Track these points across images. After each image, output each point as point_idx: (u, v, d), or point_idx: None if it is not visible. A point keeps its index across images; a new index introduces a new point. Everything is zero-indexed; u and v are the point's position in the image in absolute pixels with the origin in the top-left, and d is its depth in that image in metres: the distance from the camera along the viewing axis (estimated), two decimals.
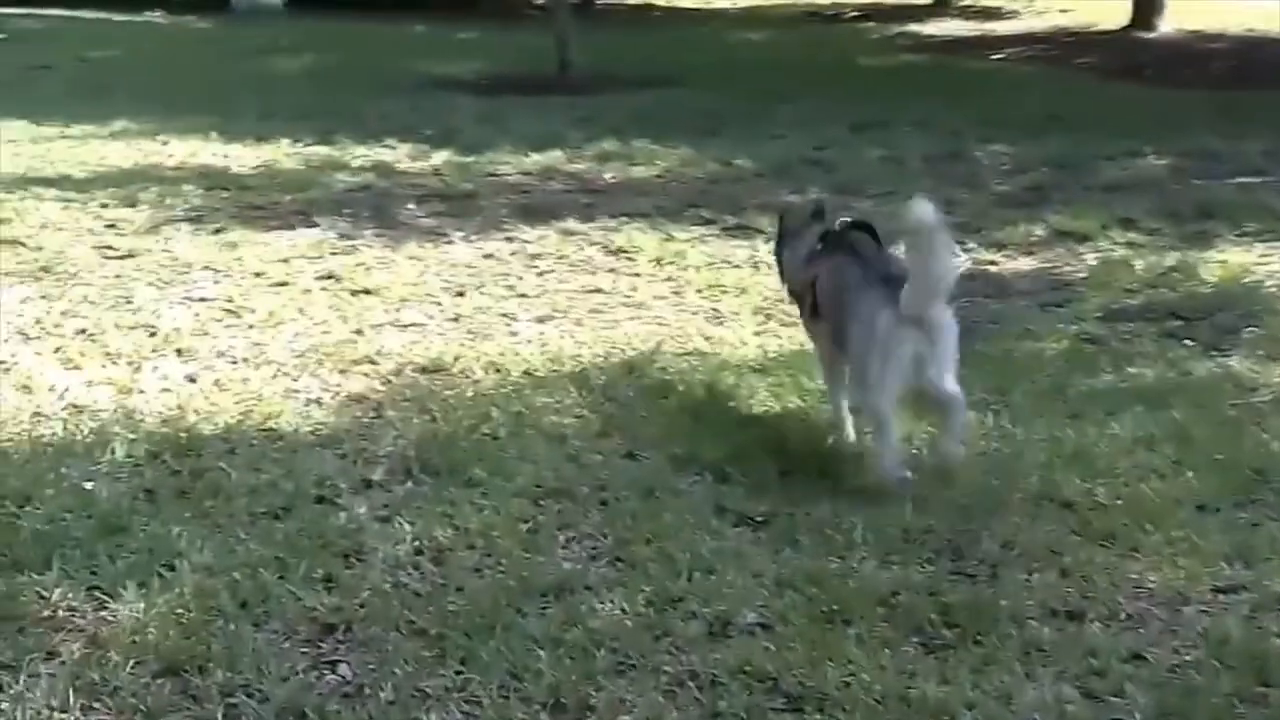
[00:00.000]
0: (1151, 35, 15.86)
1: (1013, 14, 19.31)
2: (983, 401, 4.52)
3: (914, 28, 18.35)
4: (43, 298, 5.80)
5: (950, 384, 3.85)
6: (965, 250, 6.72)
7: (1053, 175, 8.52)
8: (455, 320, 5.72)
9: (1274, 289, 6.01)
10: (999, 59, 15.21)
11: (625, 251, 6.84)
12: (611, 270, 6.54)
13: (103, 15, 18.24)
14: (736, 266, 6.56)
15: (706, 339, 5.45)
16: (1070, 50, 15.50)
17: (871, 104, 11.35)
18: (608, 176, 8.61)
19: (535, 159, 8.94)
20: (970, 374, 4.18)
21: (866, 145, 9.50)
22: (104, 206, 7.38)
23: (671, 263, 6.64)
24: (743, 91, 12.02)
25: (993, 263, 6.65)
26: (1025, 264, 6.63)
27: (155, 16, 18.49)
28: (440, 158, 8.98)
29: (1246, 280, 6.14)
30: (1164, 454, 4.15)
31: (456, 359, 5.12)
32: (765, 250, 6.72)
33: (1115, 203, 7.62)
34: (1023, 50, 15.70)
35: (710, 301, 6.04)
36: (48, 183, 7.83)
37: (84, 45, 14.93)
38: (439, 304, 5.96)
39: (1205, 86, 12.42)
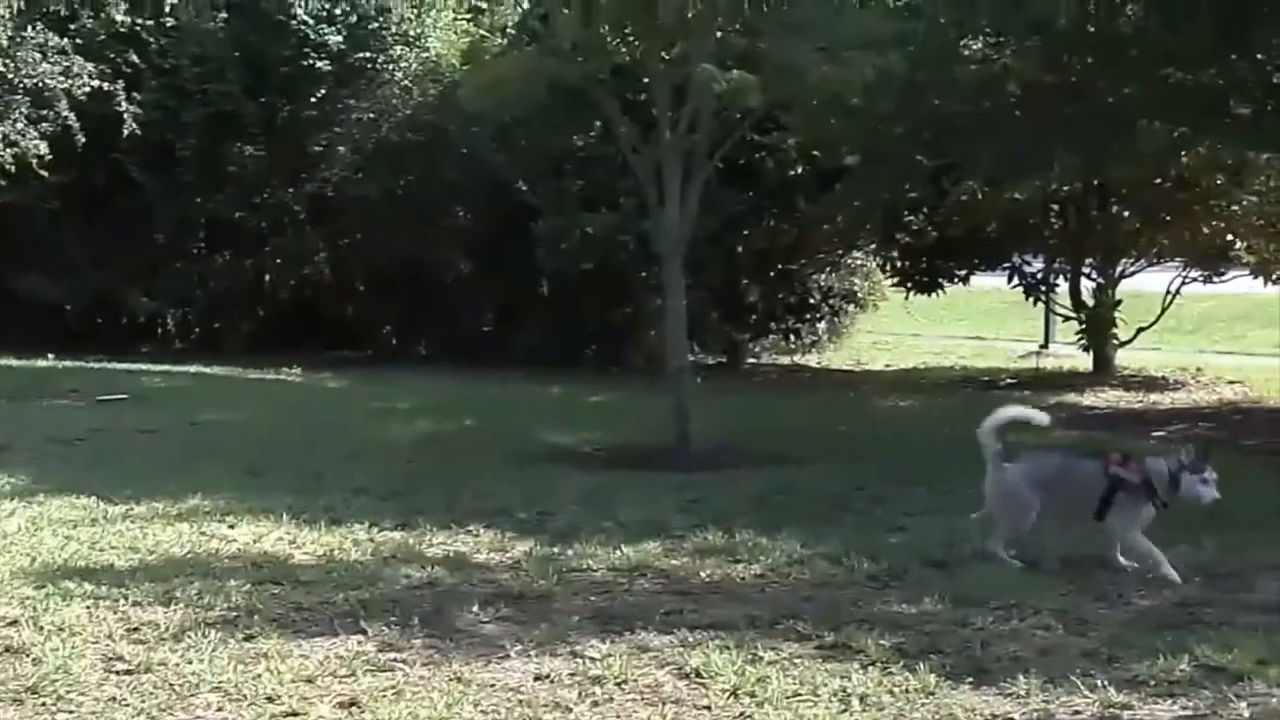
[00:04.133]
0: None
1: (1179, 385, 18.41)
2: None
3: (1072, 398, 17.47)
4: None
5: None
6: (1093, 690, 5.78)
7: (1206, 589, 7.49)
8: None
9: None
10: (1160, 436, 14.27)
11: (699, 676, 5.99)
12: (677, 702, 5.69)
13: (238, 372, 18.17)
14: (822, 702, 5.67)
15: None
16: (1237, 430, 14.44)
17: None
18: (703, 575, 7.80)
19: (627, 552, 8.16)
20: None
21: None
22: (135, 605, 6.73)
23: (750, 693, 5.77)
24: (876, 471, 11.19)
25: (1125, 707, 5.66)
26: (1163, 710, 5.62)
27: (293, 374, 18.39)
28: (524, 547, 8.26)
29: None
30: None
31: None
32: (858, 680, 5.89)
33: (1277, 630, 6.59)
34: (1186, 427, 14.69)
35: None
36: (84, 574, 7.22)
37: (202, 406, 14.66)
38: None
39: None
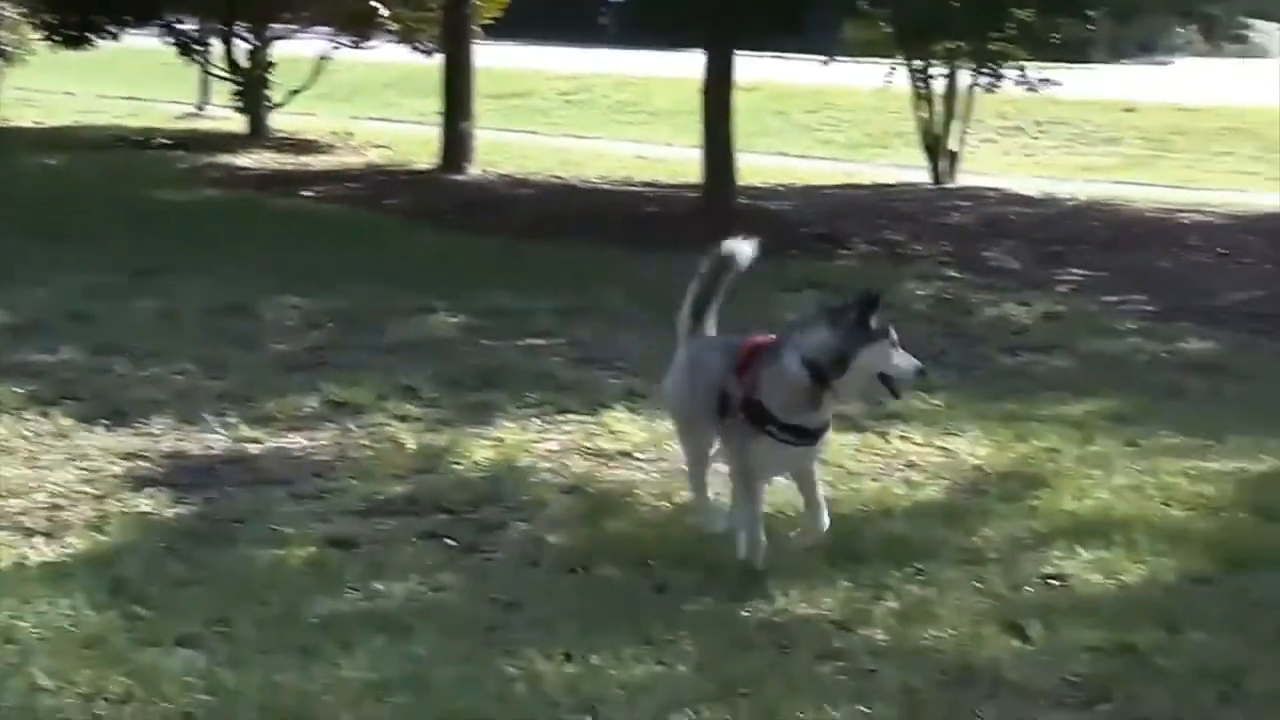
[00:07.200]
0: (460, 178, 15.76)
1: (330, 148, 18.88)
2: (201, 638, 3.84)
3: (226, 159, 17.50)
4: None
5: None
6: (225, 428, 6.07)
7: (339, 333, 7.96)
8: None
9: (547, 476, 5.62)
10: (309, 196, 14.69)
11: None
12: None
13: None
14: None
15: None
16: (381, 190, 15.11)
17: (160, 246, 10.52)
18: None
19: None
20: (194, 597, 3.82)
21: (143, 295, 8.64)
22: None
23: None
24: (17, 227, 10.84)
25: (254, 441, 5.99)
26: (290, 443, 6.00)
27: None
28: None
29: (520, 463, 5.74)
30: (396, 704, 3.57)
31: None
32: None
33: (398, 367, 7.13)
34: (334, 188, 15.21)
35: None
36: None
37: None
38: None
39: (507, 234, 12.16)
